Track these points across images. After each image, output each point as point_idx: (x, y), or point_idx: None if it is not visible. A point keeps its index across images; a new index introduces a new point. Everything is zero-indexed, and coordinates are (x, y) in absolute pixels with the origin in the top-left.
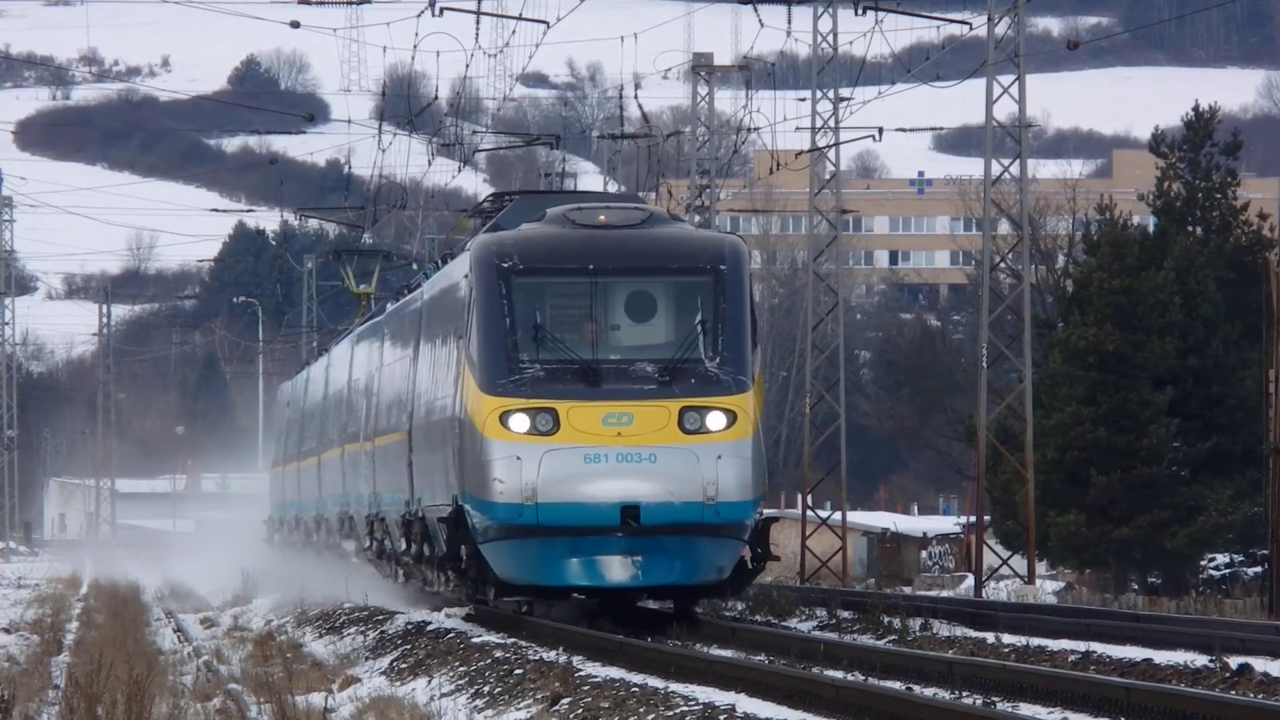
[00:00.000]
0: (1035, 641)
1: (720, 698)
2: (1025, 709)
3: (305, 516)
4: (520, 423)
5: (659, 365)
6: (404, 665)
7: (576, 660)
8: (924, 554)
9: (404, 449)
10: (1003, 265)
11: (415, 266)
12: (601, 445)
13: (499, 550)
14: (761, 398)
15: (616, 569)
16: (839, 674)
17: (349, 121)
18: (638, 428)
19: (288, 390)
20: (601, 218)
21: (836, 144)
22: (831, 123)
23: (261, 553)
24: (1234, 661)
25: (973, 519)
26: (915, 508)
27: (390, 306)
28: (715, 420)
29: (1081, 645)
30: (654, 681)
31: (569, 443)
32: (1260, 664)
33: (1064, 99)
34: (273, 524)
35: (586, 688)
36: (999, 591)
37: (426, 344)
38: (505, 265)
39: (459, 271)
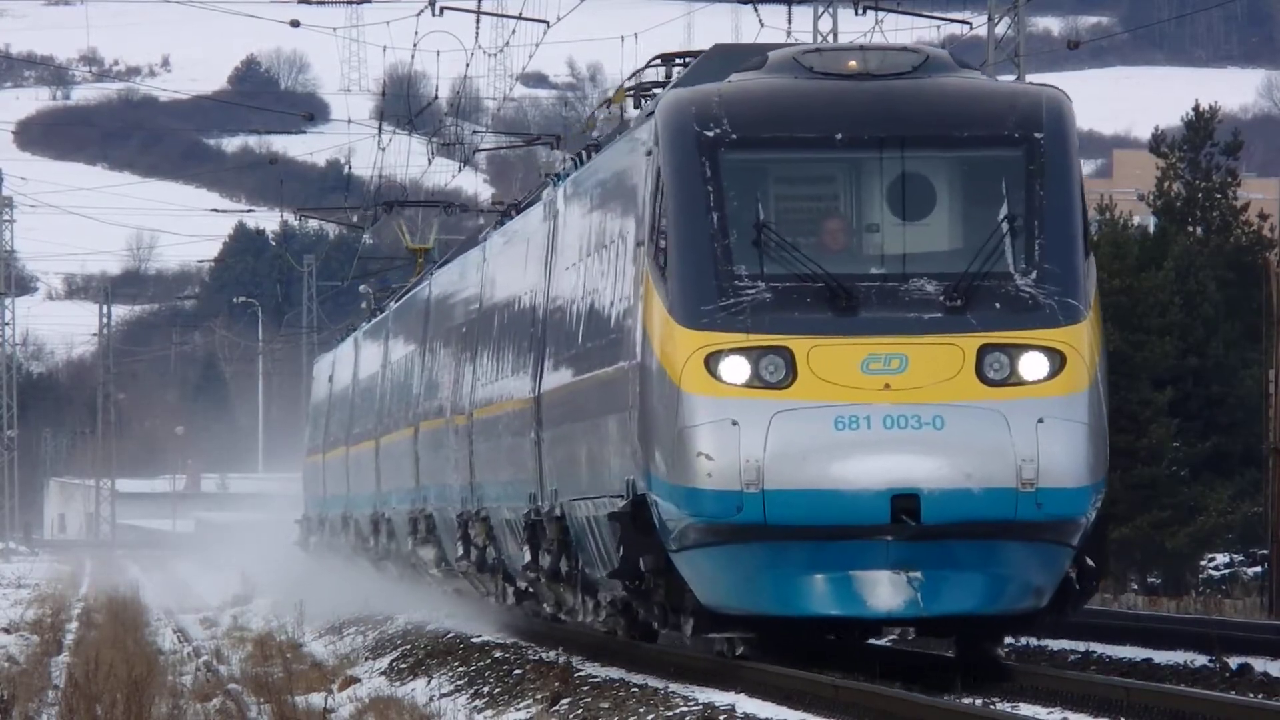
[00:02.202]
0: (1035, 641)
1: (720, 698)
2: (1025, 709)
3: (357, 515)
4: (737, 369)
5: (945, 283)
6: (404, 665)
7: (576, 660)
8: None
9: (525, 423)
10: None
11: (544, 175)
12: (861, 403)
13: (703, 562)
14: (1101, 332)
15: (884, 591)
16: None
17: (349, 121)
18: (915, 377)
19: (328, 364)
20: (853, 63)
21: None
22: None
23: (298, 562)
24: (1234, 661)
25: None
26: None
27: (488, 237)
28: (1033, 365)
29: (1081, 645)
30: (654, 681)
31: (811, 399)
32: (1260, 664)
33: None
34: (309, 524)
35: (586, 688)
36: None
37: (567, 269)
38: (712, 133)
39: (631, 150)
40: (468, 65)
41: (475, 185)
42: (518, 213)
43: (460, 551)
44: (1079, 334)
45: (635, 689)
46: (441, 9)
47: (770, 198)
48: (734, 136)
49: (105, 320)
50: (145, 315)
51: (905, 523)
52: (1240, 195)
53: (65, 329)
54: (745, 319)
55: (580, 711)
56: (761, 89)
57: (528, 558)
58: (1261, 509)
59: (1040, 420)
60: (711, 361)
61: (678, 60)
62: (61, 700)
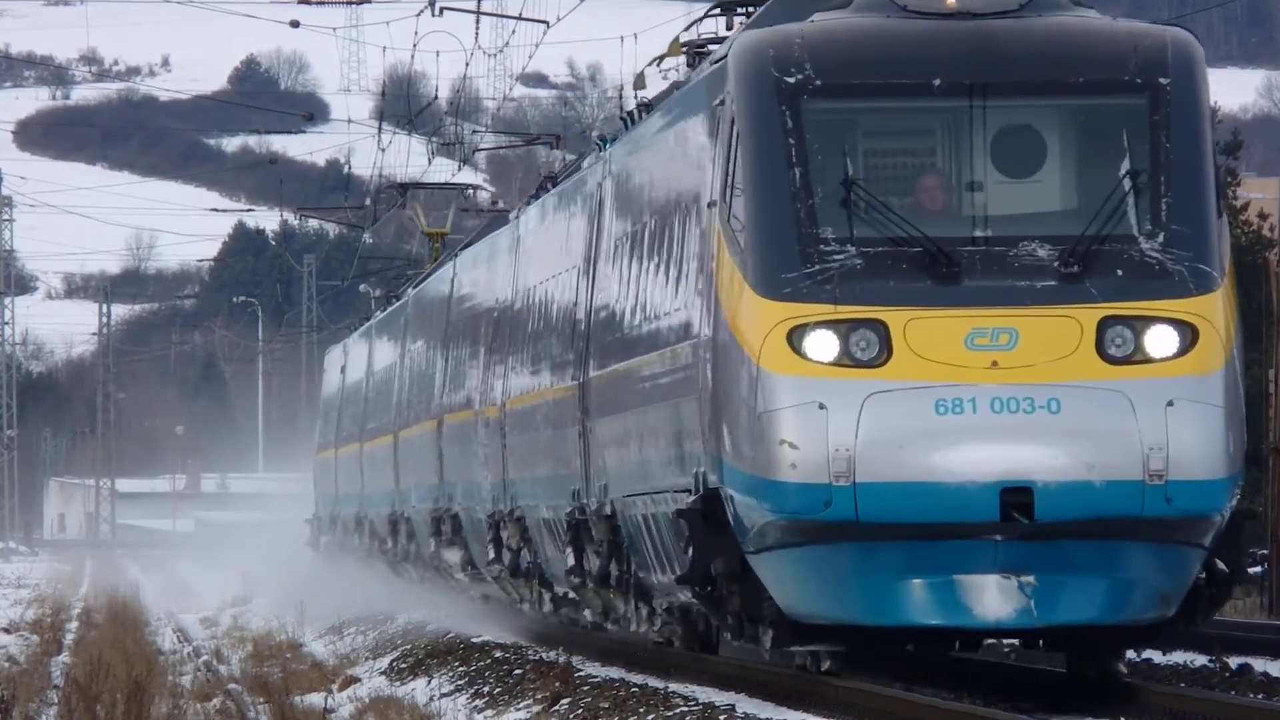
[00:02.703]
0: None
1: (720, 698)
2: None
3: (373, 514)
4: (824, 345)
5: (1060, 247)
6: (404, 665)
7: (576, 660)
8: None
9: (568, 412)
10: None
11: (594, 135)
12: (965, 384)
13: (785, 565)
14: (1235, 303)
15: (992, 598)
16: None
17: (349, 121)
18: (1026, 353)
19: (339, 355)
20: (952, 0)
21: None
22: None
23: (308, 563)
24: (1234, 661)
25: None
26: None
27: (521, 214)
28: (1161, 339)
29: None
30: (654, 681)
31: (908, 379)
32: (1260, 664)
33: None
34: (319, 524)
35: (586, 688)
36: None
37: (619, 240)
38: (793, 80)
39: (697, 103)
40: (467, 65)
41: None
42: (554, 185)
43: (491, 554)
44: (1212, 304)
45: (635, 689)
46: (441, 9)
47: (859, 152)
48: (818, 83)
49: (105, 320)
50: (145, 315)
51: (1017, 520)
52: (1240, 195)
53: (65, 328)
54: (833, 288)
55: (580, 711)
56: (848, 30)
57: (571, 561)
58: (1261, 509)
59: (1170, 403)
60: (795, 336)
61: (739, 11)
62: (61, 700)
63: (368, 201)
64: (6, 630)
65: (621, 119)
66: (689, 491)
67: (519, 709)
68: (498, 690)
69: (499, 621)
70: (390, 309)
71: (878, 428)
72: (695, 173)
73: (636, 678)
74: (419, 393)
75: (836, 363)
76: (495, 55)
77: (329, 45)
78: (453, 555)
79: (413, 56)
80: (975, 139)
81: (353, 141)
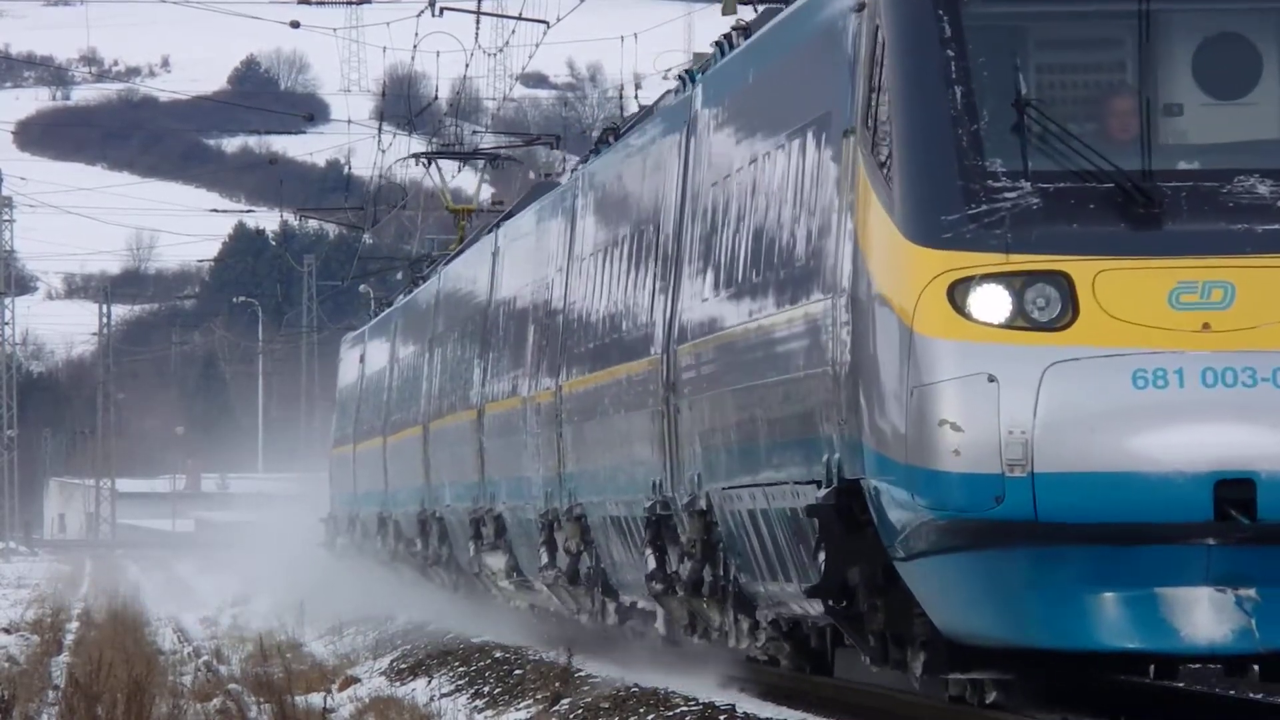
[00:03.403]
0: None
1: (720, 697)
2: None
3: (398, 514)
4: (994, 303)
5: None
6: (404, 665)
7: (576, 660)
8: None
9: (646, 392)
10: None
11: (674, 74)
12: (1170, 351)
13: (944, 573)
14: None
15: (1204, 616)
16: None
17: (349, 122)
18: (1246, 313)
19: (358, 344)
20: None
21: None
22: None
23: (324, 567)
24: None
25: None
26: None
27: (580, 170)
28: None
29: None
30: (654, 681)
31: (1099, 345)
32: None
33: None
34: (336, 524)
35: (586, 688)
36: None
37: (715, 184)
38: None
39: (825, 14)
40: (467, 65)
41: (475, 186)
42: (617, 139)
43: (544, 559)
44: None
45: (635, 689)
46: (441, 9)
47: (1033, 67)
48: None
49: (105, 320)
50: (145, 315)
51: (1235, 520)
52: None
53: (65, 329)
54: (1004, 233)
55: (580, 711)
56: None
57: (652, 564)
58: None
59: None
60: (957, 292)
61: None
62: (62, 700)
63: (413, 157)
64: (7, 630)
65: (718, 43)
66: (816, 484)
67: (519, 709)
68: (498, 690)
69: (552, 637)
70: (415, 292)
71: (1061, 405)
72: (826, 96)
73: (636, 678)
74: (454, 380)
75: (1009, 324)
76: (495, 55)
77: (329, 45)
78: (496, 560)
79: (413, 57)
80: (1175, 52)
81: (353, 142)
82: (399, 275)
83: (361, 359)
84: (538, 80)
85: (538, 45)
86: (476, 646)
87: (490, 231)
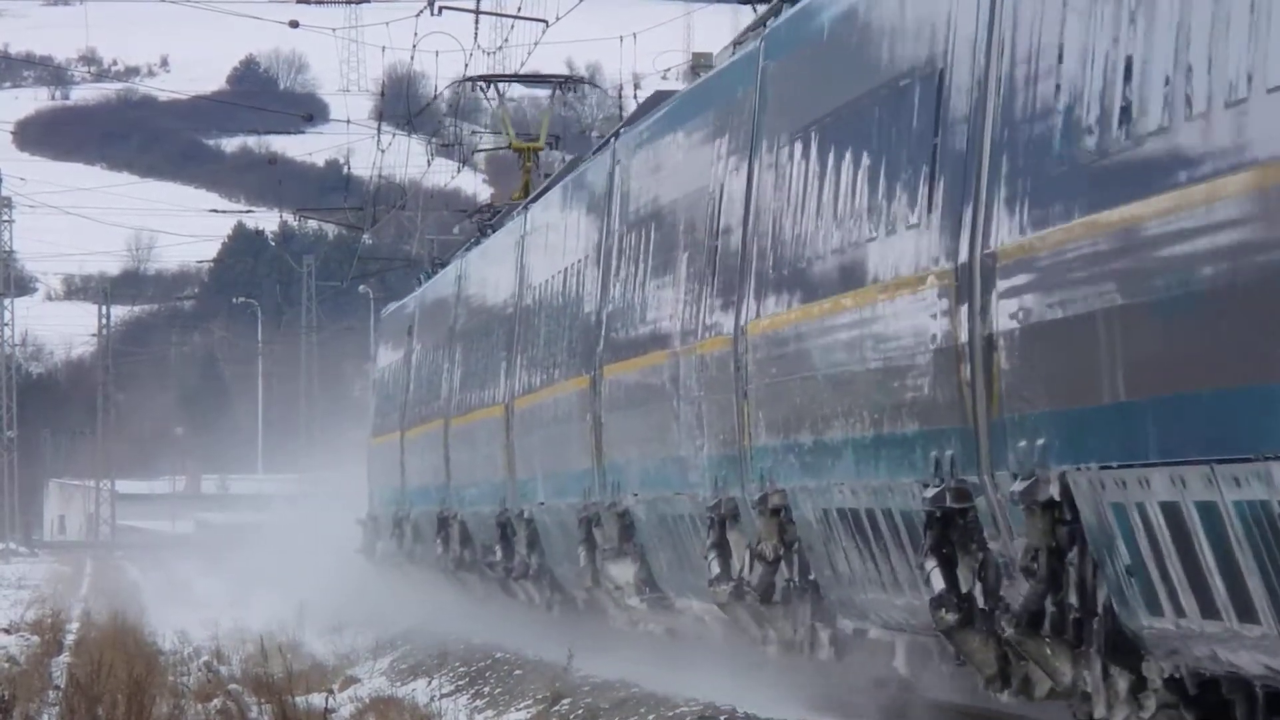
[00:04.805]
0: None
1: (720, 697)
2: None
3: (464, 513)
4: None
5: None
6: (404, 665)
7: (576, 660)
8: None
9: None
10: None
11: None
12: None
13: None
14: None
15: None
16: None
17: (348, 121)
18: None
19: (405, 314)
20: None
21: None
22: None
23: (365, 577)
24: None
25: None
26: None
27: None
28: None
29: None
30: (654, 682)
31: None
32: None
33: None
34: (377, 526)
35: (586, 688)
36: None
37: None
38: None
39: None
40: (466, 65)
41: (474, 186)
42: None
43: (715, 569)
44: None
45: (635, 689)
46: (440, 9)
47: None
48: None
49: (105, 320)
50: (144, 315)
51: None
52: None
53: (65, 329)
54: None
55: (580, 711)
56: None
57: (939, 585)
58: None
59: None
60: None
61: None
62: (62, 700)
63: (458, 84)
64: (7, 630)
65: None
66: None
67: (519, 709)
68: (498, 690)
69: (738, 680)
70: (488, 241)
71: None
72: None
73: (636, 678)
74: (554, 344)
75: None
76: (494, 55)
77: (328, 45)
78: (622, 571)
79: (412, 56)
80: None
81: (352, 142)
82: (468, 220)
83: (410, 332)
84: (537, 80)
85: (536, 44)
86: (477, 646)
87: (607, 146)
